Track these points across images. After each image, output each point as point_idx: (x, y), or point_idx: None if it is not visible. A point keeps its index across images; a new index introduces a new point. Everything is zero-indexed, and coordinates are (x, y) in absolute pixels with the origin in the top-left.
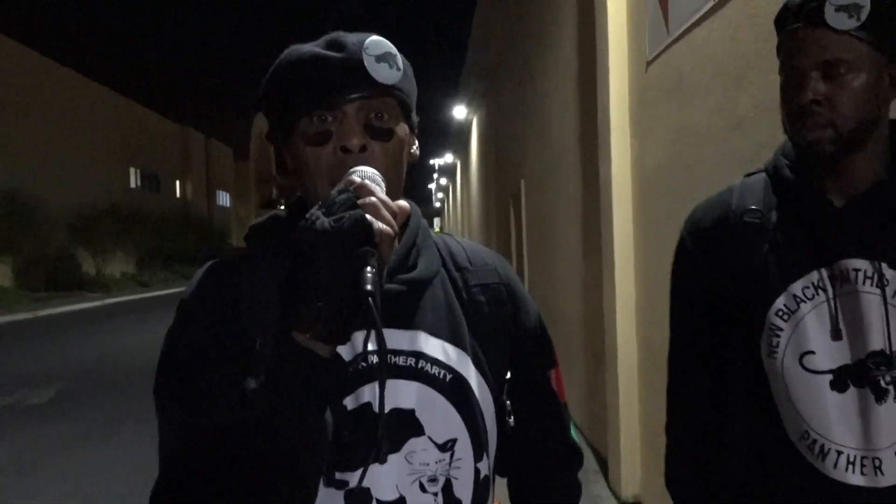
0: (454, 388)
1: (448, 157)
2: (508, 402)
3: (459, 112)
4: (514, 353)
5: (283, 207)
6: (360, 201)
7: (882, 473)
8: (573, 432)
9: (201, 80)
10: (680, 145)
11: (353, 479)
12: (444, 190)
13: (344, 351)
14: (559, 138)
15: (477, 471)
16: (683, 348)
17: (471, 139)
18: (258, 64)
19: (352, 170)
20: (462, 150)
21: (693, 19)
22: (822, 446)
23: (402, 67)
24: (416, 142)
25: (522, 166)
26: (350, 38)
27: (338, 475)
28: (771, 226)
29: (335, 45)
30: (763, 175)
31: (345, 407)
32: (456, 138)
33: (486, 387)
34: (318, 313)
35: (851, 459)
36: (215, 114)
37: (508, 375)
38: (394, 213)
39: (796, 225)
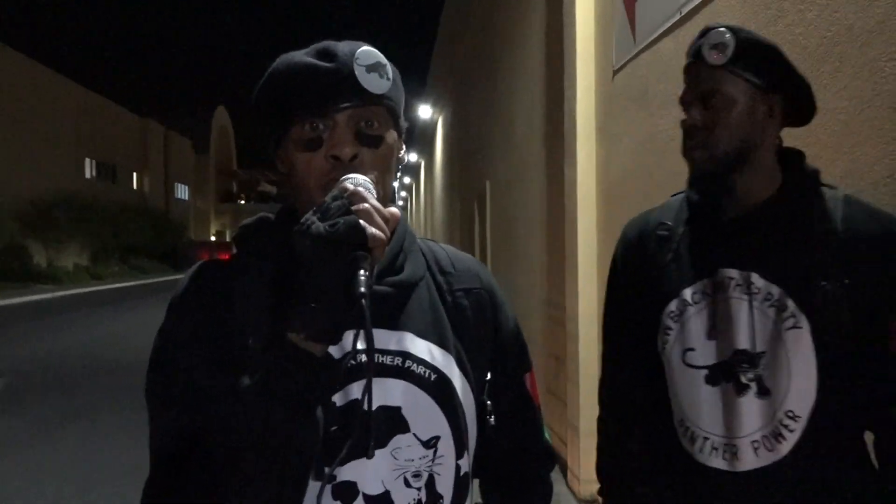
0: (439, 388)
1: (412, 156)
2: (489, 402)
3: (425, 112)
4: (494, 355)
5: (242, 202)
6: (353, 207)
7: (738, 459)
8: (546, 435)
9: (162, 71)
10: (645, 153)
11: (340, 472)
12: (408, 189)
13: (333, 349)
14: (525, 142)
15: (458, 467)
16: (609, 346)
17: (436, 139)
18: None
19: (344, 177)
20: (427, 150)
21: (659, 31)
22: (693, 433)
23: (391, 77)
24: (404, 146)
25: (488, 168)
26: (341, 47)
27: (326, 469)
28: (677, 238)
29: (326, 55)
30: (683, 194)
31: (334, 403)
32: (421, 137)
33: (468, 387)
34: (312, 314)
35: (715, 446)
36: (175, 106)
37: (488, 377)
38: (386, 220)
39: (696, 238)
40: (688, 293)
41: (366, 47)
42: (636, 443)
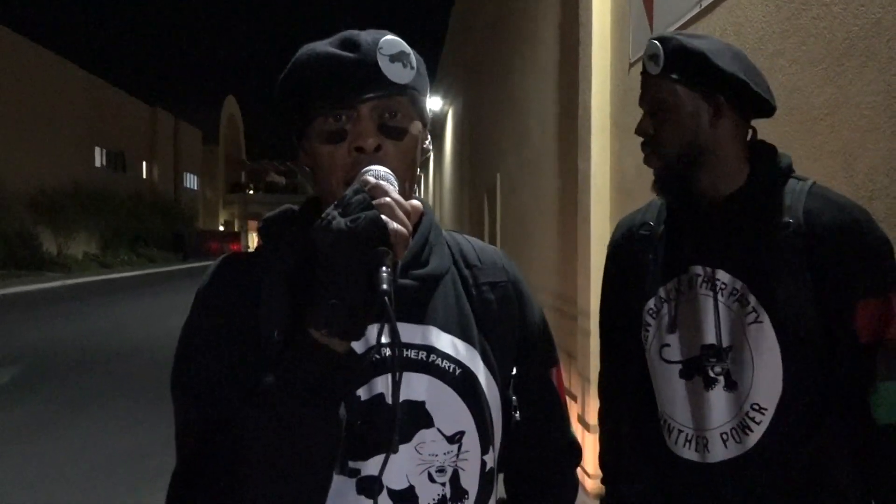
0: (463, 383)
1: (429, 142)
2: (514, 397)
3: (435, 103)
4: (520, 349)
5: (251, 192)
6: (375, 202)
7: (709, 451)
8: (572, 430)
9: (173, 60)
10: None
11: (365, 467)
12: (416, 181)
13: (358, 343)
14: (538, 135)
15: (483, 463)
16: (603, 343)
17: (445, 130)
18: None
19: (365, 169)
20: (436, 141)
21: (678, 24)
22: (670, 425)
23: (415, 66)
24: (429, 136)
25: (499, 161)
26: (364, 36)
27: (351, 464)
28: (657, 238)
29: (349, 45)
30: None
31: (358, 397)
32: (430, 129)
33: (493, 382)
34: (334, 311)
35: (688, 438)
36: (185, 96)
37: (514, 371)
38: (408, 213)
39: (671, 237)
40: (663, 290)
41: (389, 36)
42: (626, 435)
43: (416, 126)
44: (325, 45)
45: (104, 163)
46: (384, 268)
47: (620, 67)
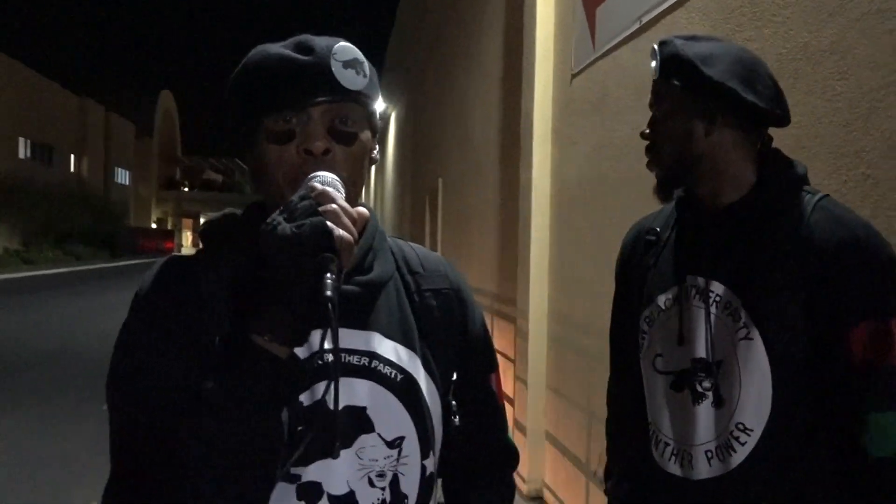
0: (404, 388)
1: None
2: (454, 402)
3: (378, 104)
4: (461, 355)
5: (186, 189)
6: (321, 208)
7: (692, 467)
8: (510, 434)
9: (106, 51)
10: (600, 158)
11: (305, 473)
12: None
13: (301, 349)
14: (481, 142)
15: (423, 467)
16: (611, 350)
17: (388, 133)
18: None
19: (312, 175)
20: (378, 142)
21: (619, 38)
22: (657, 437)
23: (368, 74)
24: (377, 146)
25: (442, 165)
26: (318, 41)
27: (291, 469)
28: (662, 244)
29: (303, 48)
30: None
31: (300, 403)
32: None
33: (434, 387)
34: (277, 317)
35: (675, 451)
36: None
37: (454, 377)
38: (354, 220)
39: (675, 244)
40: (661, 299)
41: (343, 43)
42: (621, 445)
43: (366, 134)
44: (278, 47)
45: (29, 154)
46: (328, 274)
47: (563, 78)
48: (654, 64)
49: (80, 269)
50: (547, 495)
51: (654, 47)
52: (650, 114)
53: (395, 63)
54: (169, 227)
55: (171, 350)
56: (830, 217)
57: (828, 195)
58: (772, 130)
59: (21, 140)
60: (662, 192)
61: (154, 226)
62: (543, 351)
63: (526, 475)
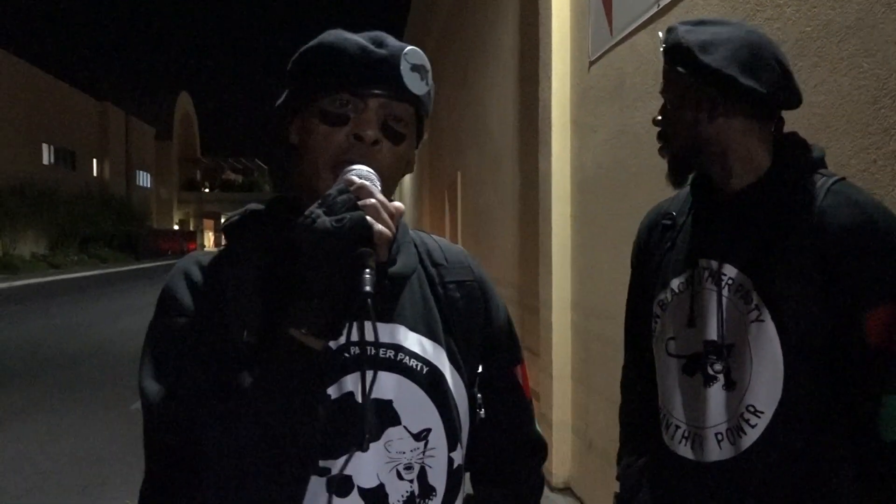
0: (430, 381)
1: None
2: (479, 394)
3: None
4: (485, 348)
5: (206, 190)
6: (360, 202)
7: (703, 450)
8: (537, 426)
9: (123, 55)
10: (619, 145)
11: (335, 466)
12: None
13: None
14: (499, 134)
15: (451, 460)
16: (626, 335)
17: None
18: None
19: (348, 168)
20: None
21: (636, 24)
22: (668, 420)
23: (430, 84)
24: (416, 157)
25: (460, 158)
26: (392, 41)
27: (321, 463)
28: (677, 229)
29: (378, 42)
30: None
31: (328, 396)
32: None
33: (459, 380)
34: (314, 310)
35: (685, 434)
36: (137, 91)
37: (480, 369)
38: (392, 215)
39: (690, 228)
40: (675, 283)
41: (415, 48)
42: (634, 428)
43: (412, 141)
44: (355, 35)
45: (52, 160)
46: (368, 270)
47: (580, 66)
48: (661, 51)
49: (105, 272)
50: (574, 486)
51: (659, 35)
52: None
53: None
54: (191, 228)
55: (199, 346)
56: (845, 200)
57: (844, 178)
58: (797, 112)
59: (45, 146)
60: (673, 177)
61: (176, 227)
62: (568, 342)
63: (553, 467)
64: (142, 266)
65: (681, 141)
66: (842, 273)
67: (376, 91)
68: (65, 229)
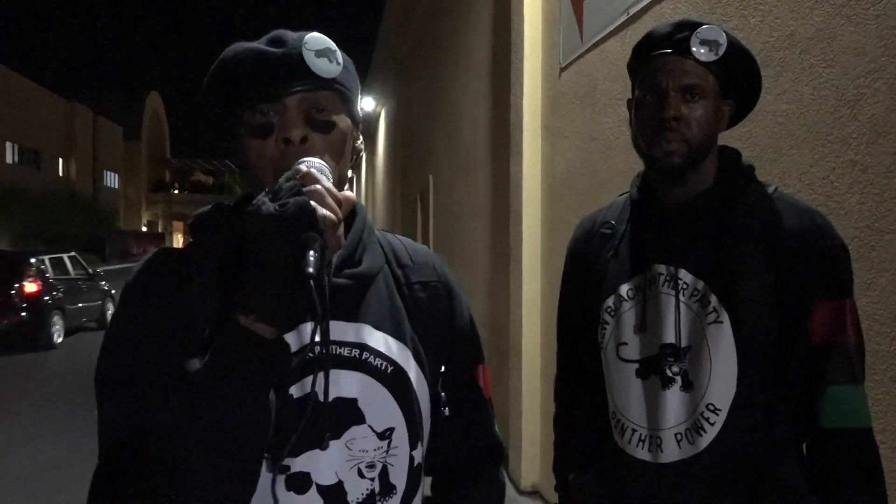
0: (395, 379)
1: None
2: (443, 393)
3: (367, 104)
4: (448, 347)
5: (176, 191)
6: (305, 188)
7: (662, 451)
8: (497, 428)
9: (92, 53)
10: (590, 151)
11: (294, 463)
12: (349, 181)
13: (292, 341)
14: (470, 138)
15: (412, 458)
16: (561, 343)
17: (378, 131)
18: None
19: (300, 161)
20: (369, 142)
21: (606, 31)
22: (623, 424)
23: (342, 62)
24: (360, 136)
25: (431, 162)
26: (291, 34)
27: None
28: (618, 236)
29: (276, 42)
30: (628, 193)
31: (291, 395)
32: (363, 130)
33: (423, 379)
34: (261, 296)
35: (642, 437)
36: (105, 90)
37: (443, 369)
38: (339, 202)
39: (634, 235)
40: (624, 289)
41: (315, 33)
42: (577, 435)
43: (345, 121)
44: (251, 43)
45: (16, 159)
46: (311, 252)
47: (551, 72)
48: (716, 46)
49: None
50: (542, 489)
51: (714, 28)
52: None
53: (383, 61)
54: (159, 229)
55: (160, 341)
56: (792, 207)
57: (777, 187)
58: (761, 120)
59: (8, 145)
60: (679, 176)
61: (144, 228)
62: (538, 342)
63: (521, 469)
64: (109, 268)
65: (701, 141)
66: (791, 273)
67: (290, 90)
68: (29, 230)
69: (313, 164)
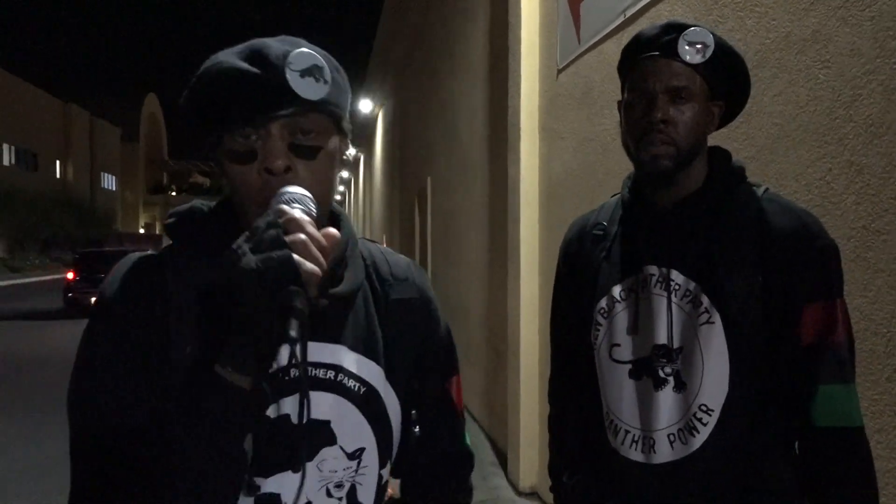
0: (367, 401)
1: (350, 151)
2: (414, 412)
3: (365, 106)
4: (421, 364)
5: (174, 193)
6: (288, 238)
7: (655, 452)
8: (467, 437)
9: (89, 55)
10: (587, 152)
11: (265, 484)
12: (346, 183)
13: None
14: (468, 139)
15: (380, 476)
16: (554, 345)
17: (376, 133)
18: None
19: (281, 191)
20: (366, 144)
21: (603, 33)
22: (616, 426)
23: (329, 80)
24: (350, 146)
25: (429, 164)
26: (273, 49)
27: (255, 479)
28: (611, 238)
29: (257, 59)
30: (620, 195)
31: (267, 417)
32: (360, 131)
33: (395, 399)
34: (241, 349)
35: (635, 438)
36: (103, 92)
37: (417, 386)
38: (323, 249)
39: (626, 237)
40: (616, 290)
41: (300, 49)
42: (571, 437)
43: (333, 141)
44: (232, 58)
45: (13, 161)
46: (294, 313)
47: (549, 73)
48: (703, 48)
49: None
50: (541, 491)
51: (701, 30)
52: None
53: (380, 63)
54: (157, 231)
55: (133, 365)
56: (780, 207)
57: (768, 188)
58: (757, 121)
59: (5, 147)
60: (661, 178)
61: (142, 231)
62: (536, 345)
63: (520, 471)
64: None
65: (689, 143)
66: (781, 274)
67: (273, 114)
68: (25, 232)
69: (294, 196)
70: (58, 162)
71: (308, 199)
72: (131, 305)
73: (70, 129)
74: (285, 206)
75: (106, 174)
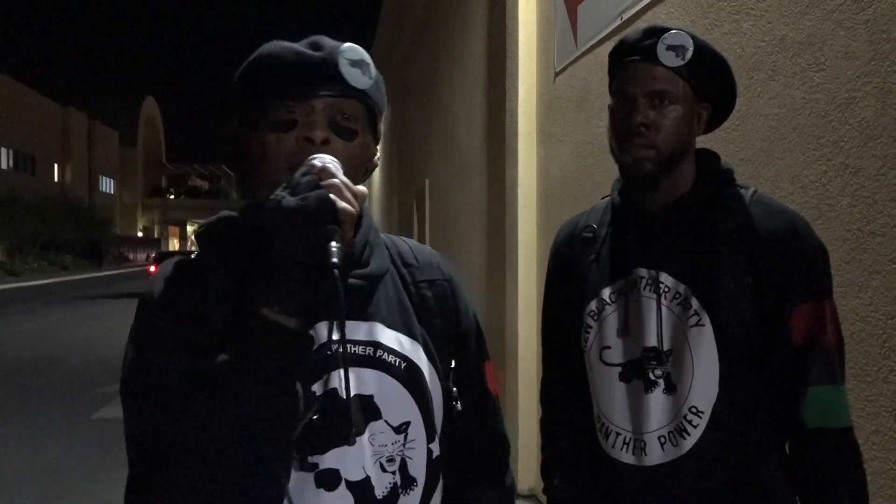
0: (408, 375)
1: (378, 157)
2: (455, 388)
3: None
4: (456, 344)
5: (172, 197)
6: (323, 182)
7: (646, 454)
8: (504, 425)
9: (87, 58)
10: (584, 155)
11: (323, 461)
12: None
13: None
14: (466, 141)
15: (429, 451)
16: (545, 348)
17: None
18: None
19: (311, 156)
20: None
21: (600, 35)
22: (607, 428)
23: (373, 77)
24: (378, 152)
25: (428, 166)
26: (329, 41)
27: (309, 458)
28: (600, 240)
29: (314, 45)
30: (609, 197)
31: (313, 393)
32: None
33: (434, 374)
34: (284, 287)
35: (626, 441)
36: (101, 95)
37: (453, 364)
38: (355, 195)
39: (616, 239)
40: (606, 293)
41: (352, 44)
42: (563, 440)
43: (367, 137)
44: (291, 43)
45: (11, 165)
46: (334, 243)
47: (546, 76)
48: (682, 51)
49: (66, 279)
50: (539, 493)
51: (681, 33)
52: None
53: (379, 64)
54: (155, 235)
55: (184, 347)
56: (769, 209)
57: (756, 189)
58: (752, 123)
59: (3, 150)
60: (644, 182)
61: (140, 234)
62: (534, 347)
63: (518, 473)
64: (105, 273)
65: (671, 147)
66: (771, 275)
67: (319, 92)
68: (24, 235)
69: (325, 159)
70: (56, 165)
71: (337, 164)
72: (173, 298)
73: (68, 132)
74: (317, 161)
75: (104, 177)
